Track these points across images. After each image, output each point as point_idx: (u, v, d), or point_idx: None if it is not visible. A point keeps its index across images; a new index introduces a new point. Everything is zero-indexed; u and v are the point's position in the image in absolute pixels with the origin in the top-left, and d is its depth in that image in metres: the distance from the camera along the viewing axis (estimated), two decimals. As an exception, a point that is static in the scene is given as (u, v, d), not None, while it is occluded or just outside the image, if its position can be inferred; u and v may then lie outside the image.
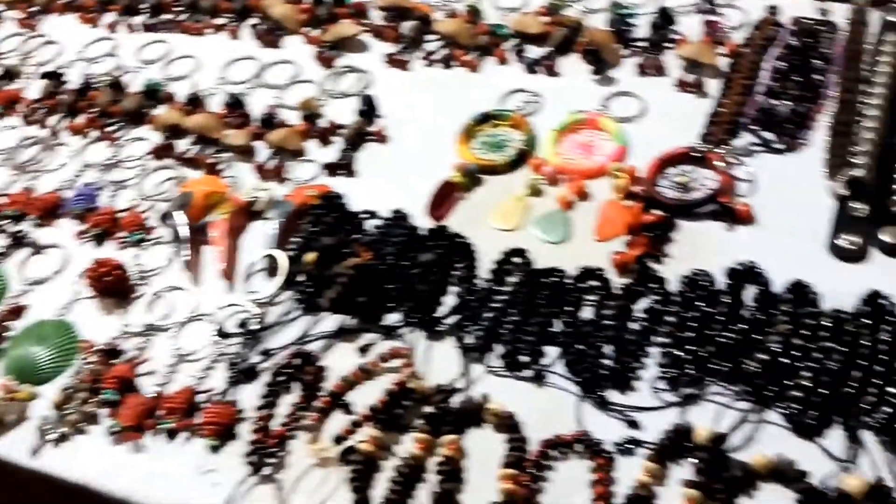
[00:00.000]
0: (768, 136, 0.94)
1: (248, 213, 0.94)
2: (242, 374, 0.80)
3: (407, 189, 0.94)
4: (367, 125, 1.01)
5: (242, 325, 0.84)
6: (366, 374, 0.79)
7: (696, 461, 0.69)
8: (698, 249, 0.85)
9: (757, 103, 0.97)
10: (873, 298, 0.77)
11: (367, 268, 0.84)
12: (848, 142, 0.92)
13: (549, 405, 0.75)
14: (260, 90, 1.09)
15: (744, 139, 0.94)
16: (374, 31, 1.14)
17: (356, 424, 0.75)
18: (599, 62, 1.03)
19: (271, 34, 1.16)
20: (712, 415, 0.73)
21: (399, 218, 0.90)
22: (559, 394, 0.76)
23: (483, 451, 0.73)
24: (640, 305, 0.81)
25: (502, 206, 0.91)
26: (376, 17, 1.16)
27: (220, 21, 1.20)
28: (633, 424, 0.73)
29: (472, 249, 0.87)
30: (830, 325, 0.76)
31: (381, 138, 1.00)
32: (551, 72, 1.04)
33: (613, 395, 0.75)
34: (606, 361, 0.77)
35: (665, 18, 1.06)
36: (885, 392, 0.72)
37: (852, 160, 0.89)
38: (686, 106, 0.98)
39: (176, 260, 0.92)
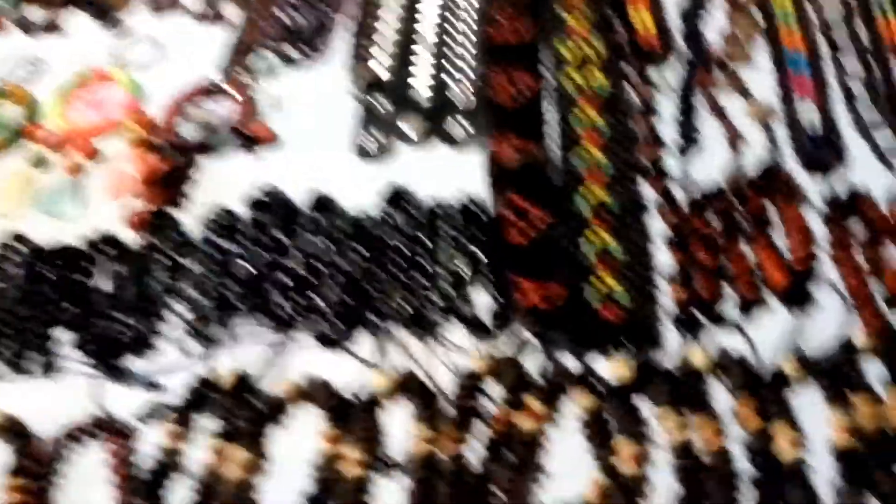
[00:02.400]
0: (291, 50, 0.89)
1: None
2: None
3: None
4: None
5: None
6: None
7: (221, 407, 0.64)
8: (227, 185, 0.79)
9: (278, 19, 0.92)
10: (394, 193, 0.75)
11: None
12: (368, 41, 0.89)
13: (66, 394, 0.67)
14: None
15: (266, 59, 0.88)
16: None
17: None
18: (102, 10, 0.93)
19: None
20: (246, 354, 0.67)
21: None
22: (78, 379, 0.68)
23: (-10, 466, 0.63)
24: (164, 260, 0.74)
25: (1, 188, 0.80)
26: None
27: None
28: (154, 387, 0.66)
29: (-33, 247, 0.76)
30: (353, 229, 0.73)
31: None
32: (54, 30, 0.94)
33: (136, 364, 0.68)
34: (125, 329, 0.69)
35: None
36: (410, 281, 0.69)
37: (372, 59, 0.86)
38: (207, 38, 0.92)
39: None
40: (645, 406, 0.62)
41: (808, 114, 0.78)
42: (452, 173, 0.77)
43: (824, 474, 0.60)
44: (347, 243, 0.72)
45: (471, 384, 0.64)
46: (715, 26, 0.86)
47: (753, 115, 0.79)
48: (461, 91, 0.83)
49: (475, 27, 0.88)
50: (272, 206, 0.75)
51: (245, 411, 0.63)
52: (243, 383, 0.65)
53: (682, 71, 0.83)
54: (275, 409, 0.64)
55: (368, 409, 0.63)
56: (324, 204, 0.75)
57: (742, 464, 0.60)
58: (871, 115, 0.78)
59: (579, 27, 0.87)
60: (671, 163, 0.76)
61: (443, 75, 0.85)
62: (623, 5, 0.88)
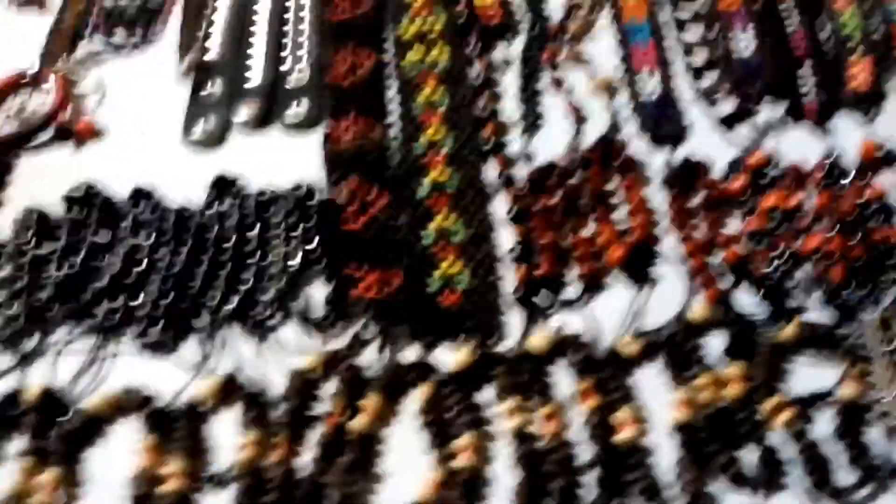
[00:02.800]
0: (118, 37, 0.84)
1: None
2: None
3: None
4: None
5: None
6: None
7: (29, 426, 0.59)
8: (45, 182, 0.73)
9: (102, 7, 0.86)
10: (221, 182, 0.71)
11: None
12: (199, 25, 0.84)
13: None
14: None
15: (90, 46, 0.83)
16: None
17: None
18: None
19: None
20: (61, 366, 0.62)
21: None
22: None
23: None
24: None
25: None
26: None
27: None
28: (-42, 409, 0.61)
29: None
30: (177, 223, 0.68)
31: None
32: None
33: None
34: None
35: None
36: (238, 276, 0.66)
37: (203, 43, 0.82)
38: (27, 25, 0.85)
39: None
40: (485, 393, 0.60)
41: (650, 85, 0.77)
42: (289, 160, 0.74)
43: (665, 452, 0.59)
44: (171, 239, 0.68)
45: (304, 384, 0.60)
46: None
47: (596, 89, 0.77)
48: (298, 73, 0.79)
49: (313, 6, 0.84)
50: (91, 203, 0.70)
51: (57, 428, 0.58)
52: (54, 398, 0.60)
53: (525, 46, 0.80)
54: (90, 425, 0.59)
55: (193, 418, 0.59)
56: (145, 198, 0.70)
57: (583, 446, 0.59)
58: (711, 84, 0.77)
59: (421, 3, 0.84)
60: (514, 140, 0.74)
61: (279, 58, 0.81)
62: (465, -21, 0.85)
